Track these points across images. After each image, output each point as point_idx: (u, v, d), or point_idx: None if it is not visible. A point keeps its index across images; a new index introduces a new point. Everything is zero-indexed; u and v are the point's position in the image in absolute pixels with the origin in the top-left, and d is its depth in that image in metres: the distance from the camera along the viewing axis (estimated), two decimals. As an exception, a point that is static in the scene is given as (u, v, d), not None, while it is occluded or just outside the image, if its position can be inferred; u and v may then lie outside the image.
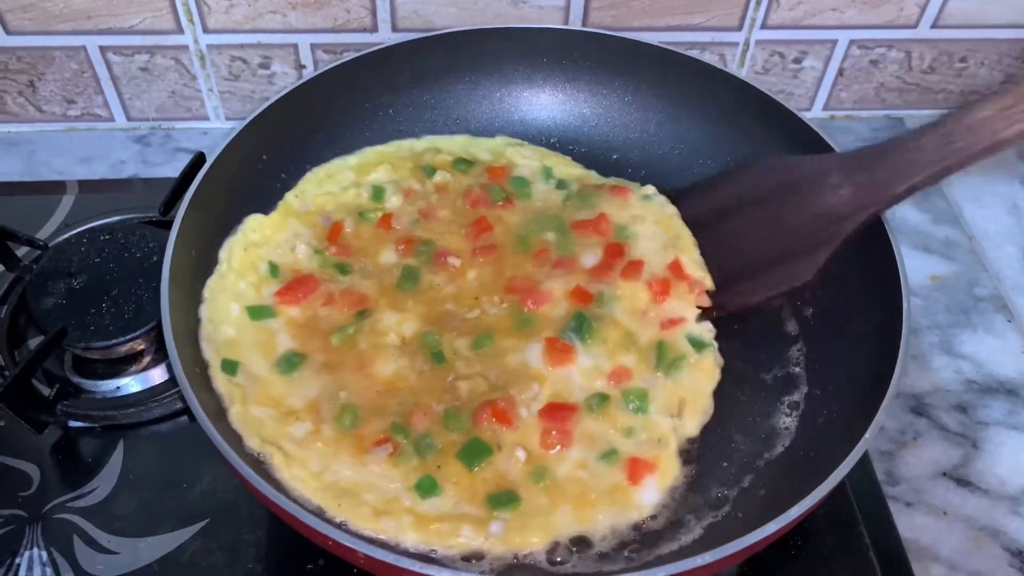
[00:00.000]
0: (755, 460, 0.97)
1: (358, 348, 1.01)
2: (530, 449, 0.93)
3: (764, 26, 1.38)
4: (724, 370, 1.03)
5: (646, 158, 1.25)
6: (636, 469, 0.92)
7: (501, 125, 1.28)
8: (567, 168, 1.23)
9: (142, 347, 1.09)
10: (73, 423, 1.06)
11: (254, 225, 1.09)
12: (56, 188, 1.34)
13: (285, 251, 1.08)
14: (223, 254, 1.05)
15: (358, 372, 0.98)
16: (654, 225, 1.12)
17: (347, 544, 0.76)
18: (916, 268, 1.29)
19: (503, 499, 0.89)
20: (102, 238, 1.16)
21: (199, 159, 1.14)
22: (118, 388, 1.09)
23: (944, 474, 1.07)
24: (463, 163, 1.21)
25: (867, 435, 0.81)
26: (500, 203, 1.15)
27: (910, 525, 1.02)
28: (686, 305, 1.06)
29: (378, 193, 1.15)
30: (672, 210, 1.15)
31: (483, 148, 1.24)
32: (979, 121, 0.91)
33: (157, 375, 1.10)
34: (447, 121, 1.27)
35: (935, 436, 1.11)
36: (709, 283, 1.08)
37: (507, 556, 0.86)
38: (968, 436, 1.11)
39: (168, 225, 0.99)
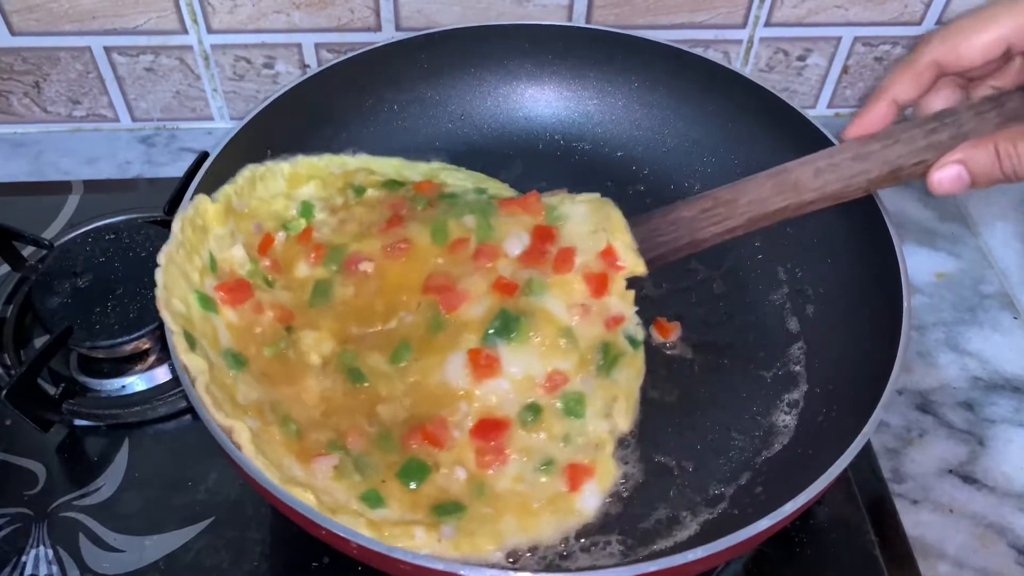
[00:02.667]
0: (753, 458, 0.96)
1: (290, 363, 0.96)
2: (468, 466, 0.89)
3: (768, 23, 1.37)
4: (723, 367, 1.03)
5: (650, 155, 1.25)
6: (575, 475, 0.90)
7: (505, 121, 1.28)
8: (503, 191, 1.17)
9: (147, 346, 1.10)
10: (79, 422, 1.07)
11: (200, 209, 1.01)
12: (62, 188, 1.35)
13: (224, 247, 1.01)
14: (175, 226, 0.97)
15: (292, 387, 0.94)
16: (584, 205, 1.05)
17: (340, 534, 0.75)
18: (922, 265, 1.29)
19: (447, 508, 0.86)
20: (107, 238, 1.16)
21: (203, 158, 1.14)
22: (123, 387, 1.09)
23: (950, 471, 1.07)
24: (394, 184, 1.14)
25: (865, 429, 0.81)
26: (421, 208, 1.08)
27: (916, 522, 1.02)
28: (626, 302, 1.00)
29: (307, 209, 1.09)
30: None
31: (416, 171, 1.18)
32: (682, 219, 0.99)
33: (162, 374, 1.10)
34: (451, 117, 1.27)
35: (941, 433, 1.10)
36: (642, 269, 1.01)
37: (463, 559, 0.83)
38: (974, 433, 1.10)
39: (172, 225, 1.00)
